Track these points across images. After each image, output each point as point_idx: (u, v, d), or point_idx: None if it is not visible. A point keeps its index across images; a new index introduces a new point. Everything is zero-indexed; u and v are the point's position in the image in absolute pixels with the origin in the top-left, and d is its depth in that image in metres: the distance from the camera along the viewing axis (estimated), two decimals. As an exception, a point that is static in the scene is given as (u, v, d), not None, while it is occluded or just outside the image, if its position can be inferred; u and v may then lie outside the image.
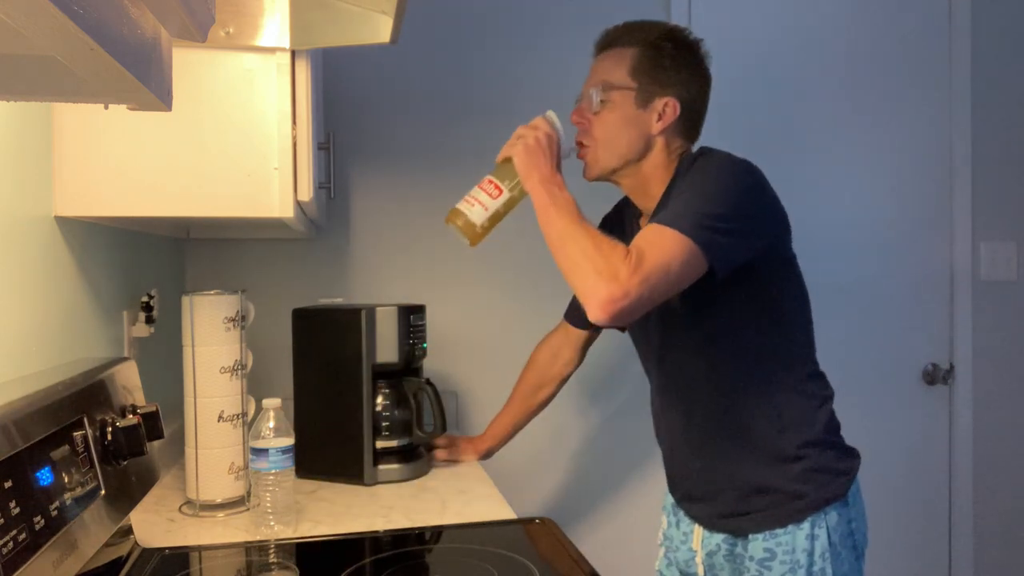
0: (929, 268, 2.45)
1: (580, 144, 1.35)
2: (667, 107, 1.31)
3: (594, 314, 1.11)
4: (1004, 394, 2.48)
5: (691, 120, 1.35)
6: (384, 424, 1.60)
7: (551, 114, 1.32)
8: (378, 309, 1.59)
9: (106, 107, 0.68)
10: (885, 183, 2.42)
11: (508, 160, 1.29)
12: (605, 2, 2.24)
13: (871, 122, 2.41)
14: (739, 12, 2.34)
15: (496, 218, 1.30)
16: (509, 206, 1.30)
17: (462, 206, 1.30)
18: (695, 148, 1.37)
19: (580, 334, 1.68)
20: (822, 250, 2.32)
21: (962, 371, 2.44)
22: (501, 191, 1.29)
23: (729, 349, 1.30)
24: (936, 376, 2.44)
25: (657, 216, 1.19)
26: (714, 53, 2.37)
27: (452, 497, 1.47)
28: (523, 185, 1.26)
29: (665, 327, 1.35)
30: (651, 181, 1.34)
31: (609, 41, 1.36)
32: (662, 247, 1.13)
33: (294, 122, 1.28)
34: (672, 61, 1.32)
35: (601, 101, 1.32)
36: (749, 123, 2.32)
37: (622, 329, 1.62)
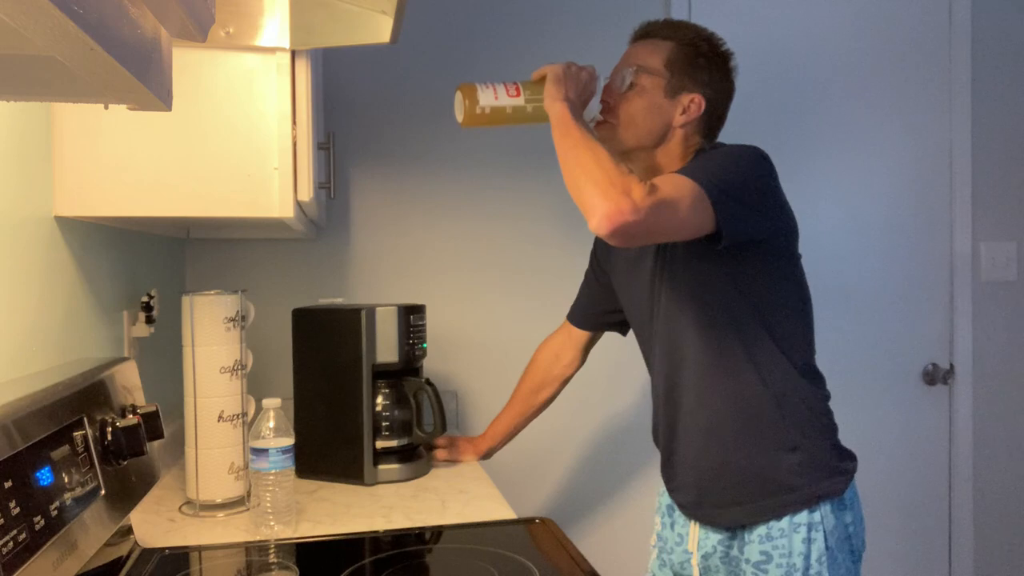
0: (929, 268, 2.45)
1: (603, 120, 1.36)
2: (693, 103, 1.34)
3: (598, 223, 1.09)
4: (1004, 394, 2.48)
5: (712, 121, 1.38)
6: (384, 424, 1.60)
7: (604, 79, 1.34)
8: (378, 309, 1.59)
9: (106, 107, 0.68)
10: (885, 183, 2.42)
11: (542, 80, 1.30)
12: (605, 3, 2.25)
13: (871, 122, 2.41)
14: (739, 13, 2.34)
15: (498, 114, 1.30)
16: (517, 115, 1.31)
17: (478, 84, 1.31)
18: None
19: (582, 335, 1.68)
20: (822, 250, 2.32)
21: (962, 371, 2.44)
22: (519, 95, 1.30)
23: (733, 334, 1.30)
24: (936, 376, 2.44)
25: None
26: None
27: (452, 497, 1.47)
28: (546, 101, 1.26)
29: (668, 309, 1.35)
30: (662, 171, 1.35)
31: (647, 32, 1.40)
32: (676, 186, 1.15)
33: (294, 122, 1.28)
34: (706, 61, 1.36)
35: (631, 84, 1.34)
36: (748, 124, 2.32)
37: (623, 332, 1.62)
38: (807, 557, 1.26)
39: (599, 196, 1.09)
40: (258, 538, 1.26)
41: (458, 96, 1.31)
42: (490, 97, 1.29)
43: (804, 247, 1.37)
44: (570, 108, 1.23)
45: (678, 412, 1.37)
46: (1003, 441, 2.48)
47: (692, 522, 1.40)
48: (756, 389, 1.30)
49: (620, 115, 1.35)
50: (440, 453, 1.70)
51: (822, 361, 1.38)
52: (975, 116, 2.45)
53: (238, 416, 1.39)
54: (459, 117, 1.31)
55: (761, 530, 1.30)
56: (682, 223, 1.16)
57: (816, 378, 1.36)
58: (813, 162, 2.39)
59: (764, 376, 1.30)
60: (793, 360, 1.32)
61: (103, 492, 0.92)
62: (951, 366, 2.45)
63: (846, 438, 1.37)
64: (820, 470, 1.30)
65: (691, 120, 1.34)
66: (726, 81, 1.39)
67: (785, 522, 1.28)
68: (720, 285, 1.29)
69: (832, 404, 1.37)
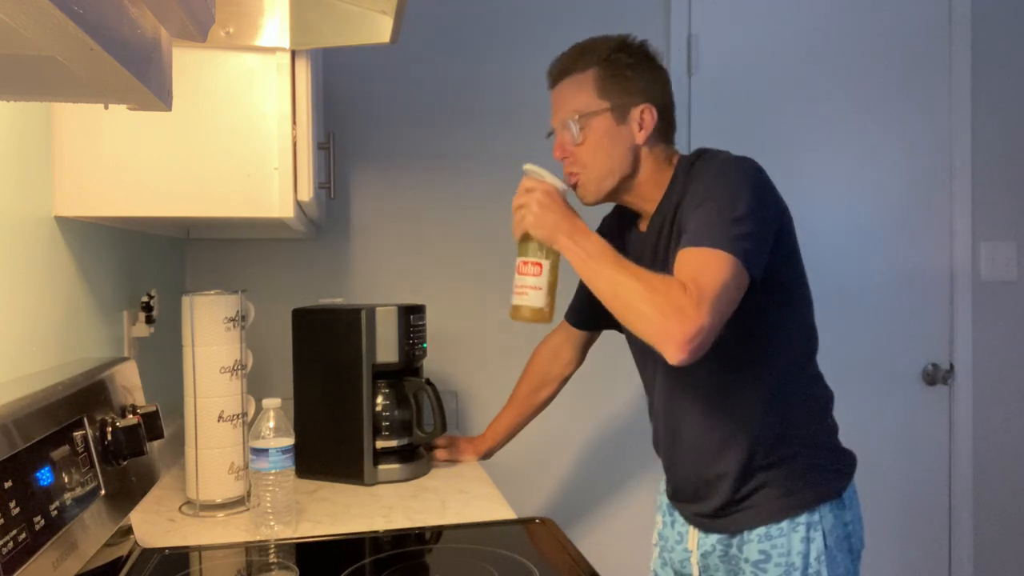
0: (929, 268, 2.45)
1: (571, 175, 1.34)
2: (644, 114, 1.31)
3: (675, 357, 1.09)
4: (1004, 394, 2.48)
5: (666, 120, 1.35)
6: (384, 424, 1.60)
7: (530, 167, 1.29)
8: (378, 309, 1.59)
9: (106, 107, 0.68)
10: (885, 183, 2.42)
11: (527, 235, 1.27)
12: (605, 2, 2.25)
13: (871, 122, 2.41)
14: (739, 12, 2.34)
15: (552, 288, 1.29)
16: (554, 270, 1.29)
17: (517, 300, 1.29)
18: (676, 146, 1.37)
19: (580, 335, 1.68)
20: (822, 250, 2.32)
21: (962, 371, 2.44)
22: (540, 265, 1.27)
23: (734, 346, 1.29)
24: (936, 376, 2.44)
25: (687, 237, 1.18)
26: (714, 52, 2.38)
27: (452, 497, 1.47)
28: (555, 245, 1.24)
29: None
30: (646, 188, 1.34)
31: (563, 69, 1.35)
32: (712, 272, 1.12)
33: (294, 122, 1.28)
34: (632, 70, 1.31)
35: (581, 129, 1.31)
36: (749, 123, 2.33)
37: (622, 330, 1.62)
38: (806, 556, 1.27)
39: (661, 333, 1.10)
40: (258, 538, 1.25)
41: (522, 323, 1.30)
42: (537, 296, 1.27)
43: (804, 248, 1.36)
44: (573, 241, 1.20)
45: (679, 429, 1.38)
46: (1003, 441, 2.48)
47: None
48: (759, 405, 1.30)
49: (588, 165, 1.32)
50: (440, 453, 1.70)
51: (822, 361, 1.38)
52: (975, 116, 2.45)
53: (238, 416, 1.39)
54: (545, 324, 1.31)
55: (760, 530, 1.30)
56: (735, 300, 1.15)
57: (819, 383, 1.36)
58: (813, 162, 2.39)
59: (767, 390, 1.30)
60: (798, 371, 1.32)
61: (103, 492, 0.92)
62: (951, 366, 2.45)
63: (846, 438, 1.37)
64: (820, 473, 1.30)
65: (650, 130, 1.31)
66: (659, 74, 1.35)
67: (784, 522, 1.28)
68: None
69: (832, 406, 1.37)
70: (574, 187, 1.35)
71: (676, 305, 1.09)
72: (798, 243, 1.33)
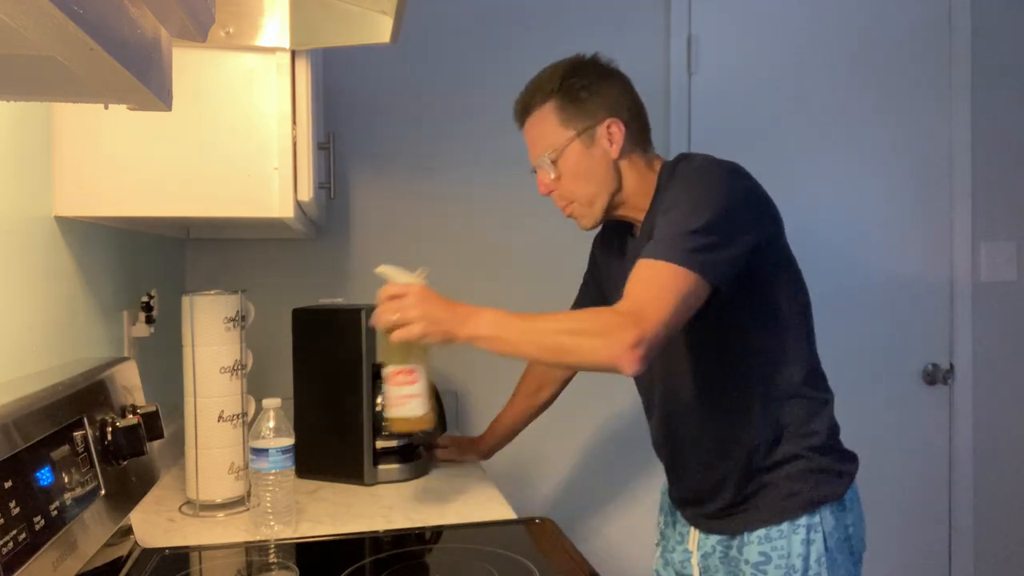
0: (929, 268, 2.45)
1: (564, 207, 1.35)
2: (611, 129, 1.30)
3: (630, 368, 1.08)
4: (1004, 394, 2.48)
5: (636, 126, 1.34)
6: (384, 424, 1.60)
7: (385, 269, 1.25)
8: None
9: (106, 107, 0.68)
10: (885, 183, 2.42)
11: (393, 343, 1.20)
12: (605, 3, 2.25)
13: (871, 122, 2.41)
14: (739, 12, 2.34)
15: (431, 391, 1.27)
16: (429, 371, 1.26)
17: (398, 412, 1.24)
18: (676, 147, 1.37)
19: (581, 335, 1.68)
20: (822, 251, 2.32)
21: (962, 371, 2.44)
22: (414, 372, 1.23)
23: (731, 354, 1.29)
24: (936, 376, 2.44)
25: (646, 248, 1.18)
26: (713, 52, 2.37)
27: (452, 497, 1.47)
28: (457, 340, 1.18)
29: None
30: (636, 199, 1.34)
31: (524, 108, 1.36)
32: (658, 285, 1.12)
33: (294, 122, 1.28)
34: (588, 91, 1.31)
35: (553, 162, 1.32)
36: (749, 123, 2.32)
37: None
38: (806, 559, 1.26)
39: (604, 354, 1.09)
40: (258, 538, 1.26)
41: (411, 429, 1.28)
42: (418, 404, 1.22)
43: (803, 248, 1.36)
44: (472, 327, 1.16)
45: (679, 435, 1.38)
46: (1003, 441, 2.48)
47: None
48: (759, 408, 1.29)
49: (573, 194, 1.33)
50: (440, 453, 1.70)
51: (822, 361, 1.38)
52: (975, 116, 2.45)
53: (238, 416, 1.39)
54: (427, 429, 1.29)
55: (760, 531, 1.30)
56: (685, 310, 1.13)
57: (819, 383, 1.35)
58: (813, 162, 2.39)
59: (767, 394, 1.29)
60: (795, 371, 1.31)
61: (103, 492, 0.92)
62: (951, 366, 2.45)
63: (846, 438, 1.37)
64: (821, 475, 1.30)
65: (622, 142, 1.31)
66: (615, 84, 1.34)
67: (784, 523, 1.28)
68: (714, 304, 1.27)
69: (833, 406, 1.37)
70: (569, 215, 1.35)
71: (610, 324, 1.10)
72: (789, 246, 1.32)
